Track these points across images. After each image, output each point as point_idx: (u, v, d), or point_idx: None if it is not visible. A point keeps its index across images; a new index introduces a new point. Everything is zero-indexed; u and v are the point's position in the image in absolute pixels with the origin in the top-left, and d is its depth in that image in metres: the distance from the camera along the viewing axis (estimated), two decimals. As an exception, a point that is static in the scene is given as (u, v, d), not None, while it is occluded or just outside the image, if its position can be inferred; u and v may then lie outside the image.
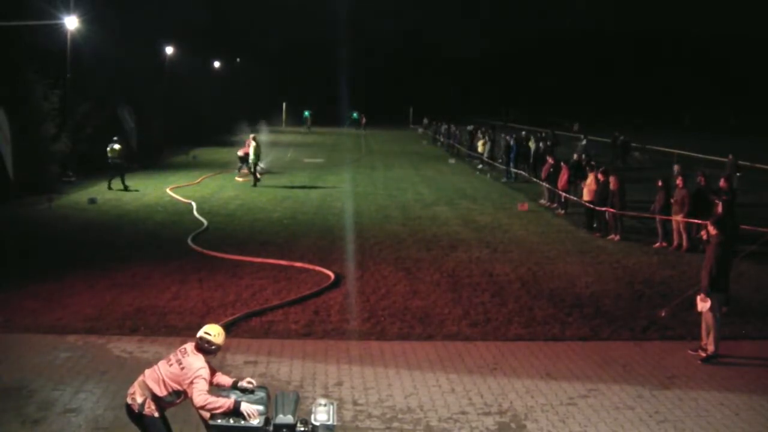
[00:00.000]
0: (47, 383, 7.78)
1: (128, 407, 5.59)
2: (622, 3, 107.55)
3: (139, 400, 5.51)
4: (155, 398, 5.51)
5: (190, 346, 5.66)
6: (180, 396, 5.56)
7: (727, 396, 7.88)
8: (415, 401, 7.60)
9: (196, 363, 5.51)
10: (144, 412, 5.50)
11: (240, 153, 27.92)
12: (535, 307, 10.93)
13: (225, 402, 5.36)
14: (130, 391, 5.60)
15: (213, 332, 5.64)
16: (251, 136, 26.52)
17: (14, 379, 7.87)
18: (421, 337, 9.61)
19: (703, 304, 8.80)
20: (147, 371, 5.65)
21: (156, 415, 5.53)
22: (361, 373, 8.34)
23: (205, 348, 5.60)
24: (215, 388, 5.68)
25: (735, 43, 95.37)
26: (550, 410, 7.44)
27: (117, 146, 22.98)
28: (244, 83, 66.68)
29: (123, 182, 22.98)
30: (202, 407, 5.38)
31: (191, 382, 5.42)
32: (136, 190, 22.11)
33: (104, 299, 10.84)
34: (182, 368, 5.49)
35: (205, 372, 5.50)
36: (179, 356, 5.59)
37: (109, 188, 22.55)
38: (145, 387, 5.53)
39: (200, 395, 5.37)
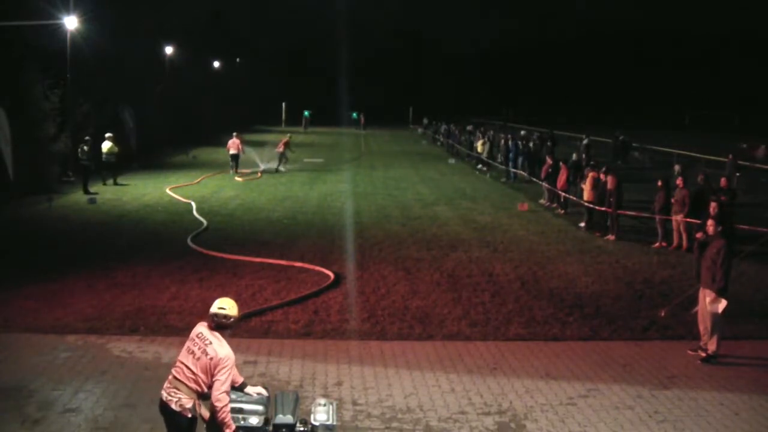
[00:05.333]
0: (47, 383, 7.77)
1: (176, 415, 5.25)
2: (622, 2, 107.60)
3: (189, 404, 5.26)
4: (201, 397, 5.33)
5: (205, 330, 5.40)
6: None
7: (726, 396, 7.88)
8: (415, 401, 7.60)
9: (221, 350, 5.29)
10: (196, 416, 5.31)
11: (233, 151, 28.29)
12: (535, 307, 10.92)
13: (230, 423, 5.22)
14: (172, 398, 5.26)
15: (227, 305, 5.43)
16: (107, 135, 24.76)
17: (14, 378, 7.86)
18: (421, 337, 9.61)
19: (718, 305, 8.78)
20: (177, 373, 5.33)
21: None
22: (360, 373, 8.33)
23: (222, 324, 5.40)
24: None
25: (736, 43, 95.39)
26: (550, 410, 7.44)
27: (86, 147, 22.60)
28: (244, 83, 66.74)
29: (85, 185, 22.02)
30: (215, 405, 5.21)
31: (219, 372, 5.23)
32: (96, 193, 21.51)
33: (104, 299, 10.84)
34: (210, 358, 5.26)
35: (232, 359, 5.31)
36: (202, 345, 5.32)
37: (85, 192, 21.71)
38: (190, 390, 5.27)
39: (223, 393, 5.21)
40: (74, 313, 10.12)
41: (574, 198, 19.65)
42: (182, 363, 5.36)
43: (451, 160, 36.85)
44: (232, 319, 5.43)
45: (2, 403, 7.26)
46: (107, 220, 17.73)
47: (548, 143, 31.30)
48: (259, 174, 28.24)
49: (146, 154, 31.98)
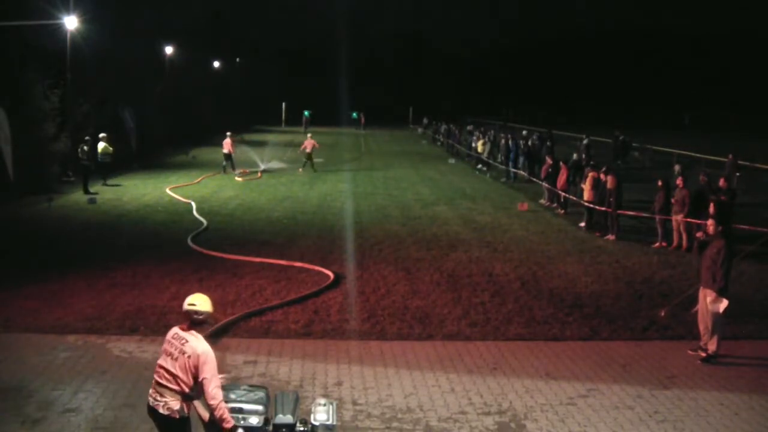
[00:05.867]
0: (47, 383, 7.77)
1: (166, 418, 5.19)
2: (622, 2, 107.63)
3: (177, 406, 5.20)
4: (186, 397, 5.27)
5: (179, 330, 5.31)
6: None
7: (726, 396, 7.88)
8: (415, 401, 7.60)
9: (199, 346, 5.21)
10: (186, 416, 5.27)
11: (225, 150, 28.43)
12: (535, 307, 10.92)
13: (229, 418, 5.19)
14: (159, 402, 5.20)
15: (198, 301, 5.34)
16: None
17: (14, 378, 7.86)
18: (421, 337, 9.61)
19: (719, 305, 8.78)
20: (159, 377, 5.26)
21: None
22: (360, 373, 8.33)
23: (195, 320, 5.30)
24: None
25: (737, 42, 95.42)
26: (550, 410, 7.44)
27: (86, 147, 22.70)
28: (244, 83, 66.77)
29: (85, 185, 22.03)
30: (210, 404, 5.17)
31: (203, 370, 5.17)
32: (96, 193, 21.57)
33: (104, 299, 10.84)
34: (188, 357, 5.18)
35: (212, 355, 5.23)
36: (178, 345, 5.24)
37: (85, 192, 21.70)
38: (173, 392, 5.21)
39: (215, 389, 5.15)
40: (74, 313, 10.12)
41: (574, 198, 19.65)
42: (162, 367, 5.28)
43: (451, 160, 36.86)
44: (204, 315, 5.33)
45: (2, 403, 7.26)
46: (107, 220, 17.73)
47: (547, 143, 31.32)
48: (259, 174, 28.26)
49: (146, 154, 31.99)
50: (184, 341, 5.26)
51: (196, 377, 5.23)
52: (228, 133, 29.34)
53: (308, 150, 30.27)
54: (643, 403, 7.63)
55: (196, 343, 5.24)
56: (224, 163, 28.60)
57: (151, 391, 5.33)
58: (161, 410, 5.22)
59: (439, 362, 8.69)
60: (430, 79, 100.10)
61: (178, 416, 5.22)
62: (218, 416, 5.18)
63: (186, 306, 5.35)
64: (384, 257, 14.09)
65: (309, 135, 32.34)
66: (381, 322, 10.11)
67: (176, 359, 5.23)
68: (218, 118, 51.40)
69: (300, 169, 29.68)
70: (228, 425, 5.18)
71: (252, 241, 15.39)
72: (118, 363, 8.42)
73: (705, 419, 7.29)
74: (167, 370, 5.24)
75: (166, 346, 5.33)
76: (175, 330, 5.37)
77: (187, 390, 5.24)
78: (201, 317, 5.34)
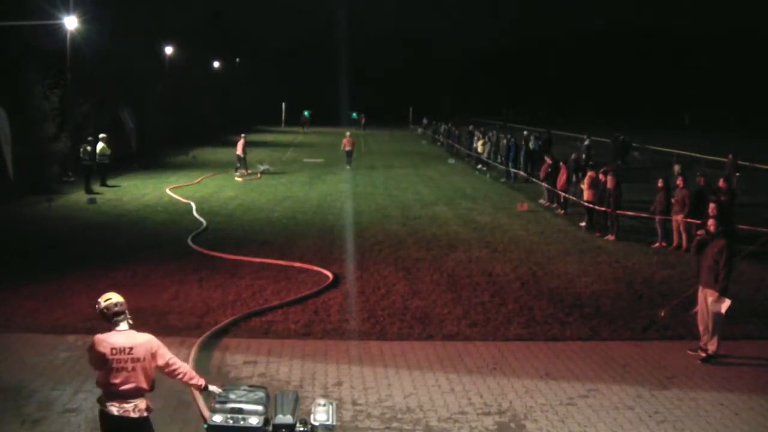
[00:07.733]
0: (47, 383, 7.77)
1: (136, 421, 5.14)
2: (622, 2, 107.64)
3: (144, 405, 5.22)
4: (150, 392, 5.32)
5: (113, 340, 5.15)
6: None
7: (726, 396, 7.88)
8: (415, 401, 7.59)
9: (145, 341, 5.19)
10: (152, 409, 5.32)
11: (238, 152, 28.44)
12: (535, 307, 10.92)
13: (198, 378, 5.45)
14: (128, 405, 5.12)
15: (110, 295, 5.31)
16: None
17: (14, 378, 7.86)
18: (420, 337, 9.61)
19: (721, 305, 8.77)
20: (120, 392, 5.12)
21: None
22: (360, 373, 8.33)
23: (122, 310, 5.23)
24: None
25: (737, 42, 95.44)
26: (550, 410, 7.44)
27: (89, 147, 22.78)
28: (245, 83, 66.79)
29: (87, 185, 22.16)
30: (186, 377, 5.38)
31: (162, 354, 5.23)
32: (98, 194, 21.61)
33: (104, 299, 10.82)
34: (143, 360, 5.14)
35: (154, 337, 5.26)
36: (126, 357, 5.13)
37: (87, 191, 21.78)
38: (140, 394, 5.20)
39: (179, 363, 5.34)
40: (74, 313, 10.11)
41: (574, 198, 19.65)
42: (115, 384, 5.14)
43: (451, 160, 36.86)
44: (118, 306, 5.27)
45: (2, 403, 7.27)
46: (107, 220, 17.73)
47: (539, 142, 31.36)
48: (259, 175, 28.26)
49: (146, 154, 31.99)
50: (128, 350, 5.15)
51: (156, 368, 5.28)
52: (242, 135, 29.67)
53: (347, 148, 31.40)
54: (643, 403, 7.63)
55: (139, 340, 5.21)
56: (237, 164, 28.64)
57: (109, 404, 5.15)
58: (133, 414, 5.15)
59: (439, 362, 8.69)
60: (430, 79, 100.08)
61: (147, 414, 5.24)
62: (187, 379, 5.40)
63: (101, 308, 5.28)
64: (384, 257, 14.09)
65: (348, 133, 32.97)
66: (381, 322, 10.11)
67: (132, 370, 5.15)
68: (218, 118, 51.42)
69: (347, 167, 30.99)
70: (200, 383, 5.43)
71: (252, 241, 15.39)
72: (118, 363, 8.41)
73: (705, 419, 7.29)
74: (124, 383, 5.13)
75: (111, 365, 5.13)
76: (110, 342, 5.16)
77: (150, 386, 5.28)
78: (125, 307, 5.31)
